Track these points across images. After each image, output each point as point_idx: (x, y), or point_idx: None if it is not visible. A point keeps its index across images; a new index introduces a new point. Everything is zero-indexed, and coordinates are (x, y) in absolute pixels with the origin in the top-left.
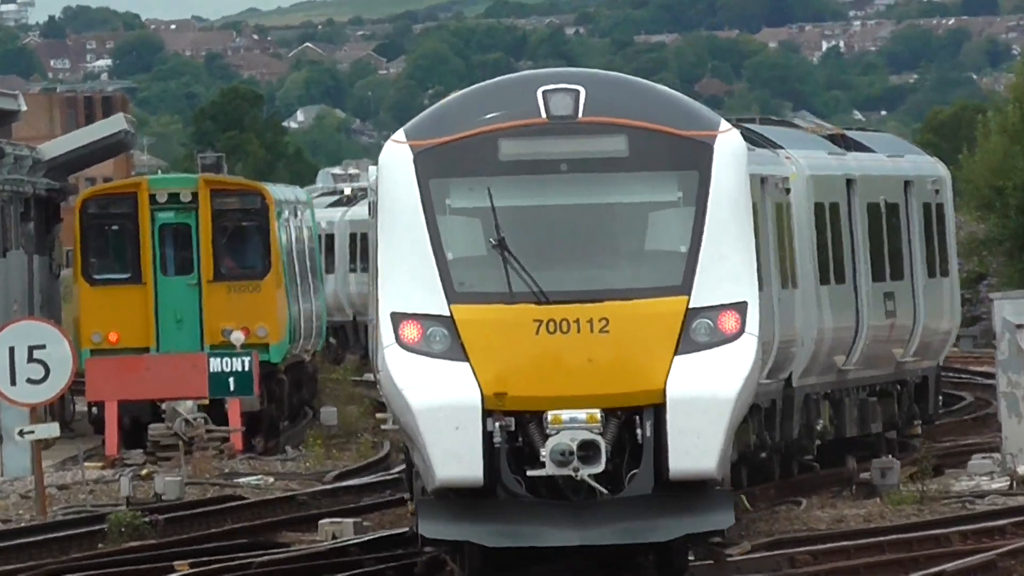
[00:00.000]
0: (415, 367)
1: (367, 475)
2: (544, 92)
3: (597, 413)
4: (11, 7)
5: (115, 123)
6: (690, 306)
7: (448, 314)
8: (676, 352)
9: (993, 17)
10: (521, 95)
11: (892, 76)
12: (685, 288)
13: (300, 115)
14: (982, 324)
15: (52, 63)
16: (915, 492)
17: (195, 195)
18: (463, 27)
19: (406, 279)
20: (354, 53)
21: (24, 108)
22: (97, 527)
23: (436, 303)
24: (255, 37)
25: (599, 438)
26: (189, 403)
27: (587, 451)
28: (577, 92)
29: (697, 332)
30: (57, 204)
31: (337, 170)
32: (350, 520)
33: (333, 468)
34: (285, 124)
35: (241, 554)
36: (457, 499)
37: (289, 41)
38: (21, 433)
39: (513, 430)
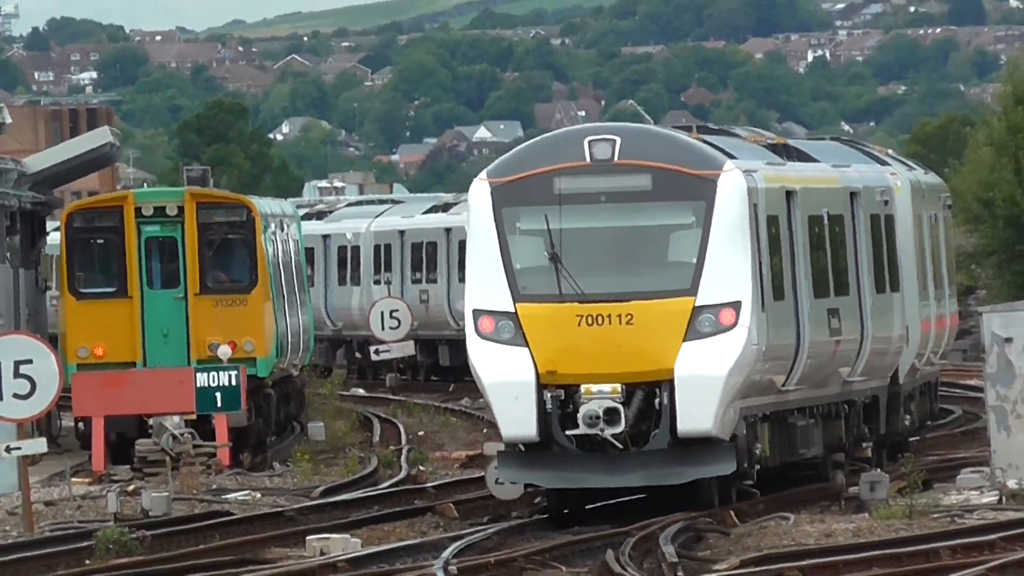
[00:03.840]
0: (488, 351)
1: (355, 490)
2: (589, 141)
3: (619, 387)
4: None
5: (100, 136)
6: (696, 304)
7: (514, 310)
8: (684, 340)
9: (980, 27)
10: (573, 143)
11: (880, 87)
12: (693, 291)
13: (285, 127)
14: (972, 337)
15: (36, 75)
16: (904, 506)
17: (181, 208)
18: (448, 39)
19: (484, 283)
20: (339, 65)
21: (9, 121)
22: (85, 543)
23: (505, 302)
24: (240, 49)
25: (620, 406)
26: (176, 418)
27: (611, 416)
28: (614, 141)
29: (702, 325)
30: (43, 217)
31: (323, 183)
32: (338, 536)
33: (321, 483)
34: (271, 136)
35: (229, 570)
36: (524, 452)
37: (274, 53)
38: (8, 449)
39: (563, 399)
